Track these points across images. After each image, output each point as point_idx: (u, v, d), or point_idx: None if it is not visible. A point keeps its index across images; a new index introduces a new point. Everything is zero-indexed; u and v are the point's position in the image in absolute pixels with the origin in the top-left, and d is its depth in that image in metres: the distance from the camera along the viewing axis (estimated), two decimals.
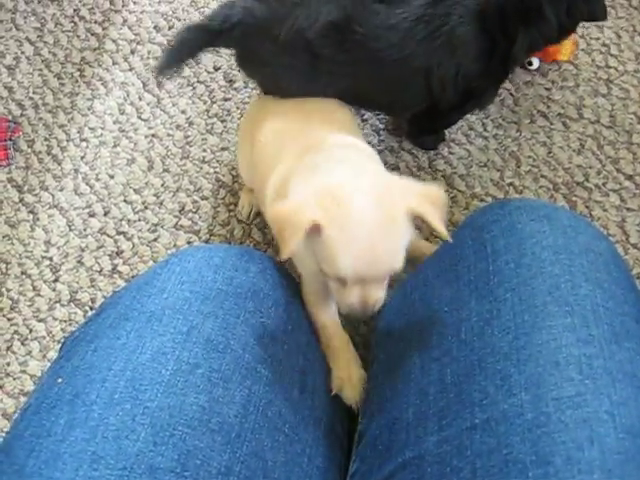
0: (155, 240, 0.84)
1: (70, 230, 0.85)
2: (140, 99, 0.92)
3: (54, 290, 0.82)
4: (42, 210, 0.86)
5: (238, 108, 0.90)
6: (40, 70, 0.95)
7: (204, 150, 0.88)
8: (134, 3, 0.98)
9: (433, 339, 0.53)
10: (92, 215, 0.86)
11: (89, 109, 0.92)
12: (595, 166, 0.86)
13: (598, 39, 0.93)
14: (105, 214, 0.86)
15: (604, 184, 0.85)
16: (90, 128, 0.91)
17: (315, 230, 0.52)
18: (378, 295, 0.58)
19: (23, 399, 0.76)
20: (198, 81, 0.92)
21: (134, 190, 0.87)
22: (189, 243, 0.83)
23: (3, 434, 0.73)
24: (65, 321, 0.80)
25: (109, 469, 0.42)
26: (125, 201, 0.86)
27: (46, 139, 0.91)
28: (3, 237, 0.85)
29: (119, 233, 0.84)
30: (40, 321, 0.81)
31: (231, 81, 0.92)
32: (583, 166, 0.85)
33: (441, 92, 0.71)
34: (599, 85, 0.91)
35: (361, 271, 0.54)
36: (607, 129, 0.89)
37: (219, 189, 0.86)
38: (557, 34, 0.74)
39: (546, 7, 0.72)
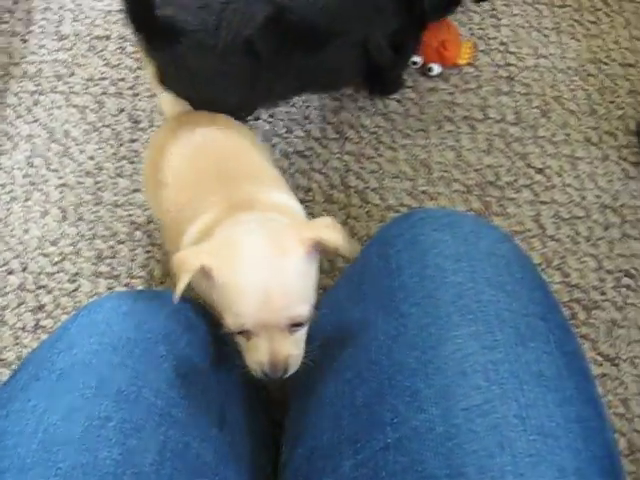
0: (76, 290, 0.83)
1: None
2: (48, 150, 0.92)
3: None
4: None
5: (146, 148, 0.89)
6: None
7: (116, 194, 0.88)
8: (32, 54, 0.97)
9: (346, 362, 0.53)
10: (10, 272, 0.85)
11: None
12: (505, 164, 0.88)
13: (496, 38, 0.96)
14: (23, 270, 0.85)
15: (515, 180, 0.87)
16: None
17: (209, 276, 0.52)
18: (287, 349, 0.56)
19: None
20: (103, 125, 0.92)
21: (50, 242, 0.86)
22: (110, 289, 0.83)
23: None
24: None
25: None
26: (42, 254, 0.86)
27: None
28: None
29: (39, 287, 0.84)
30: None
31: (136, 122, 0.92)
32: (493, 165, 0.88)
33: (380, 57, 0.72)
34: (501, 84, 0.93)
35: (260, 315, 0.52)
36: (513, 126, 0.91)
37: (135, 231, 0.86)
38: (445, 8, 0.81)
39: None
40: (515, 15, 1.01)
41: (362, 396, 0.52)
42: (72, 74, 1.00)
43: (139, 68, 0.96)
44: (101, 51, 1.02)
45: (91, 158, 0.94)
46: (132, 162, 0.92)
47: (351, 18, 0.71)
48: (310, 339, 0.59)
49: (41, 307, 0.86)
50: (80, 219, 0.90)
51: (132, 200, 0.91)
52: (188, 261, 0.55)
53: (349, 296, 0.60)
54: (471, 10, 1.00)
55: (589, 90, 0.97)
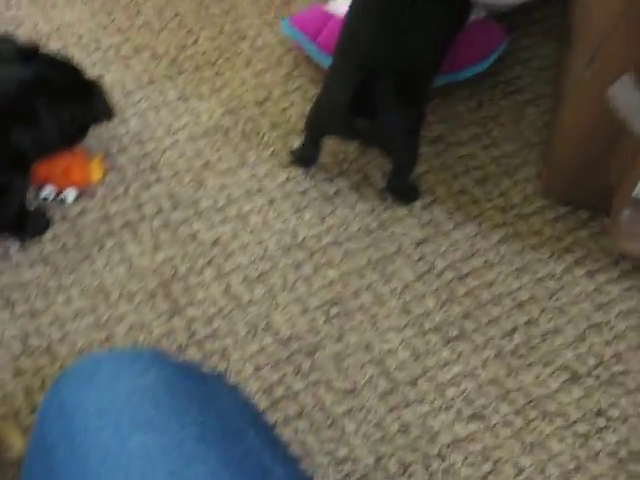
0: None
1: None
2: None
3: None
4: None
5: None
6: None
7: None
8: None
9: None
10: None
11: None
12: (178, 253, 0.93)
13: (127, 133, 1.02)
14: None
15: (194, 264, 0.90)
16: None
17: None
18: None
19: None
20: None
21: None
22: None
23: None
24: None
25: None
26: None
27: None
28: None
29: None
30: None
31: None
32: (167, 259, 0.93)
33: None
34: (147, 176, 0.93)
35: None
36: (173, 212, 0.89)
37: None
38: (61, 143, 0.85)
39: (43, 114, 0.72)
40: (139, 101, 0.99)
41: None
42: None
43: None
44: None
45: None
46: None
47: None
48: None
49: None
50: None
51: None
52: None
53: None
54: None
55: (234, 142, 0.96)
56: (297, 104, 1.02)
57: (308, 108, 0.96)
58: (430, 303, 0.90)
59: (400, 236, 0.94)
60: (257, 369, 0.84)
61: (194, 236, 0.92)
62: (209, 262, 0.90)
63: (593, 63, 0.72)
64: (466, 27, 0.96)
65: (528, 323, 0.90)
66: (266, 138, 0.99)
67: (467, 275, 0.92)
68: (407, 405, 0.82)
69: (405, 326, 0.87)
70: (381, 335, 0.86)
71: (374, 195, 0.96)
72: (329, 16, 0.97)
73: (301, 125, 1.00)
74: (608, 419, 0.83)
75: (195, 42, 1.07)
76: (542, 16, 1.14)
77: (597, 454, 0.80)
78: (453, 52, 0.93)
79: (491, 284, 0.92)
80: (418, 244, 0.94)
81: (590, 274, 0.94)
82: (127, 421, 0.51)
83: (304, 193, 0.95)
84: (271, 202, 0.94)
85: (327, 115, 0.86)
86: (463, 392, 0.83)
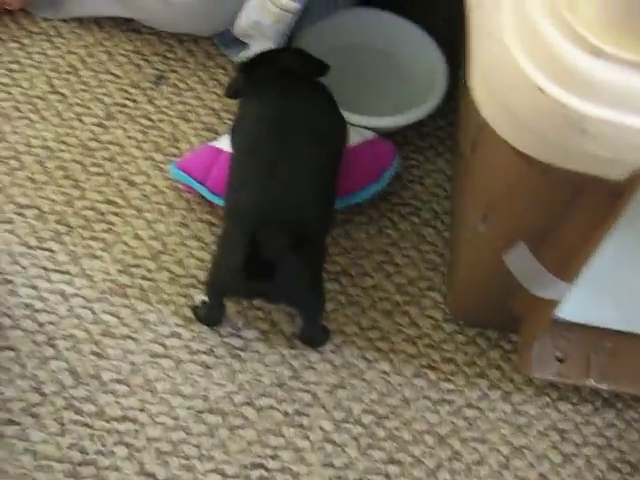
0: None
1: None
2: None
3: None
4: None
5: None
6: None
7: None
8: None
9: None
10: None
11: None
12: (84, 433, 0.92)
13: (19, 305, 0.99)
14: None
15: (101, 448, 0.92)
16: None
17: None
18: None
19: None
20: None
21: None
22: None
23: None
24: None
25: None
26: None
27: None
28: None
29: None
30: None
31: None
32: (74, 443, 0.92)
33: None
34: (44, 350, 0.93)
35: None
36: (74, 389, 0.87)
37: None
38: None
39: None
40: (27, 267, 0.96)
41: None
42: None
43: None
44: None
45: None
46: None
47: None
48: None
49: None
50: None
51: None
52: None
53: None
54: None
55: (133, 303, 0.95)
56: (194, 253, 1.02)
57: (206, 255, 0.98)
58: (352, 452, 0.91)
59: (313, 384, 0.94)
60: None
61: (101, 413, 0.90)
62: (119, 440, 0.88)
63: (486, 221, 0.74)
64: (355, 149, 0.98)
65: (451, 458, 0.92)
66: (165, 295, 0.97)
67: (385, 416, 0.94)
68: None
69: None
70: None
71: (283, 343, 0.97)
72: (217, 151, 0.98)
73: (201, 276, 0.99)
74: None
75: (82, 195, 1.05)
76: (431, 129, 1.17)
77: None
78: (345, 175, 0.97)
79: (410, 422, 0.94)
80: (332, 390, 0.95)
81: (505, 396, 0.97)
82: None
83: (211, 351, 0.95)
84: (178, 364, 0.94)
85: (225, 279, 0.86)
86: None
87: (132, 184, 1.09)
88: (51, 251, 1.03)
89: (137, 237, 1.05)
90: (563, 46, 0.58)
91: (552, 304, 0.81)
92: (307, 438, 0.93)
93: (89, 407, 0.92)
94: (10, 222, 1.05)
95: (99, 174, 1.10)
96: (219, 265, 0.89)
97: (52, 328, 0.97)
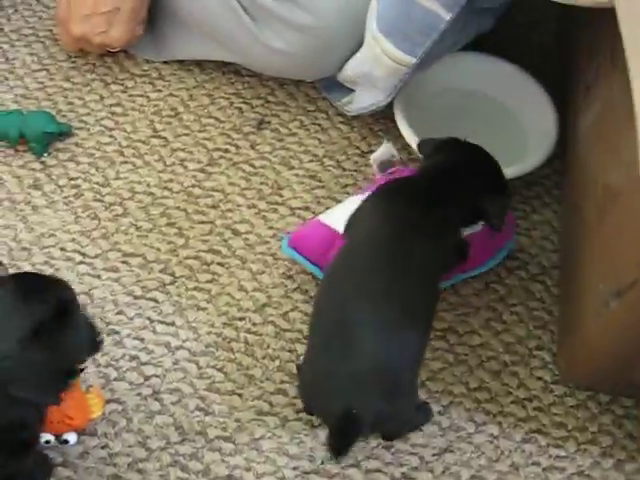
0: None
1: None
2: None
3: None
4: None
5: None
6: None
7: None
8: None
9: None
10: None
11: None
12: None
13: (123, 356, 1.00)
14: None
15: None
16: None
17: None
18: None
19: None
20: None
21: None
22: None
23: None
24: None
25: None
26: None
27: None
28: None
29: None
30: None
31: None
32: None
33: None
34: (149, 404, 0.92)
35: None
36: (181, 445, 0.87)
37: None
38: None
39: None
40: (133, 318, 0.97)
41: None
42: None
43: None
44: None
45: None
46: None
47: None
48: None
49: None
50: None
51: None
52: None
53: None
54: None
55: (237, 358, 0.95)
56: (300, 306, 1.01)
57: (311, 310, 0.96)
58: None
59: (421, 447, 0.92)
60: None
61: (206, 471, 0.90)
62: None
63: (620, 299, 0.72)
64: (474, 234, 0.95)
65: None
66: (270, 350, 0.97)
67: None
68: None
69: None
70: None
71: None
72: (334, 234, 0.96)
73: (306, 330, 0.98)
74: None
75: (186, 244, 1.05)
76: (537, 177, 1.15)
77: None
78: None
79: None
80: (440, 454, 0.93)
81: (618, 464, 0.94)
82: None
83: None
84: (283, 422, 0.93)
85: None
86: None
87: (236, 233, 1.09)
88: (156, 301, 1.03)
89: (242, 289, 1.04)
90: None
91: None
92: None
93: (195, 465, 0.92)
94: (115, 271, 1.05)
95: (203, 222, 1.10)
96: (304, 384, 0.90)
97: (157, 381, 0.97)
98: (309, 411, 0.93)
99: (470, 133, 1.11)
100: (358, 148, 1.19)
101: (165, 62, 1.26)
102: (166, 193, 1.13)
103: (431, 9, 0.93)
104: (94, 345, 0.83)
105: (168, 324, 1.01)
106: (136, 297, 1.03)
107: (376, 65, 1.01)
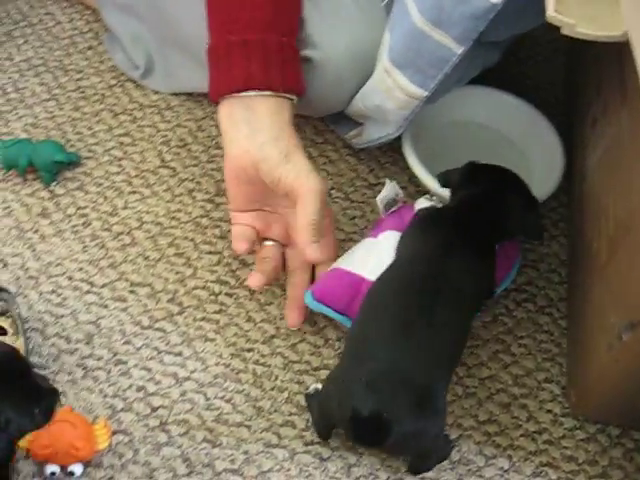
0: None
1: None
2: None
3: None
4: None
5: None
6: None
7: None
8: None
9: None
10: None
11: None
12: None
13: (130, 387, 0.99)
14: None
15: None
16: None
17: None
18: None
19: None
20: None
21: None
22: None
23: None
24: None
25: None
26: None
27: None
28: None
29: None
30: None
31: None
32: None
33: None
34: (156, 436, 0.93)
35: None
36: (188, 477, 0.85)
37: None
38: None
39: None
40: (140, 348, 0.96)
41: None
42: None
43: None
44: None
45: None
46: None
47: None
48: None
49: None
50: None
51: None
52: None
53: None
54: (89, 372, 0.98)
55: (245, 389, 0.94)
56: (308, 338, 1.01)
57: (320, 340, 0.99)
58: None
59: None
60: None
61: None
62: None
63: (635, 329, 0.71)
64: None
65: None
66: (279, 382, 0.96)
67: None
68: None
69: None
70: None
71: None
72: (359, 280, 0.95)
73: (314, 362, 0.98)
74: None
75: (194, 274, 1.05)
76: (544, 211, 1.15)
77: None
78: None
79: None
80: None
81: None
82: None
83: (327, 442, 0.92)
84: (292, 455, 0.92)
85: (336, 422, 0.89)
86: None
87: (244, 264, 1.09)
88: (164, 331, 1.02)
89: (250, 319, 1.03)
90: None
91: None
92: None
93: None
94: (123, 300, 1.04)
95: (211, 252, 1.09)
96: (330, 401, 0.87)
97: (165, 412, 0.96)
98: (324, 429, 0.92)
99: None
100: (366, 180, 1.19)
101: (174, 93, 1.26)
102: (174, 223, 1.12)
103: (443, 42, 0.93)
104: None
105: (176, 354, 1.00)
106: (143, 327, 1.02)
107: (387, 98, 1.01)
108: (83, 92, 1.27)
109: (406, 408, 0.81)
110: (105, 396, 0.98)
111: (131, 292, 1.06)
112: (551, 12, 0.72)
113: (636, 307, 0.74)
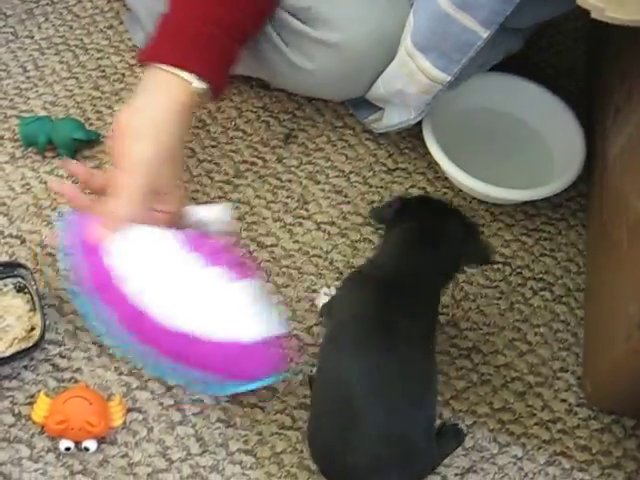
0: None
1: None
2: None
3: None
4: None
5: None
6: None
7: None
8: None
9: None
10: None
11: None
12: None
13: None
14: None
15: None
16: None
17: None
18: None
19: None
20: None
21: None
22: None
23: None
24: None
25: None
26: None
27: None
28: None
29: None
30: None
31: None
32: None
33: None
34: (171, 414, 0.88)
35: None
36: (201, 456, 0.90)
37: None
38: None
39: None
40: None
41: None
42: None
43: None
44: None
45: None
46: None
47: None
48: None
49: None
50: None
51: None
52: None
53: None
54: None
55: None
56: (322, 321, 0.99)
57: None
58: None
59: (444, 467, 0.90)
60: None
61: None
62: None
63: None
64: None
65: None
66: (294, 363, 0.97)
67: None
68: None
69: None
70: None
71: None
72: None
73: None
74: None
75: None
76: (562, 200, 1.13)
77: None
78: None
79: None
80: (464, 474, 0.91)
81: None
82: None
83: None
84: (305, 437, 0.90)
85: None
86: None
87: (261, 245, 1.08)
88: None
89: None
90: None
91: None
92: None
93: (215, 477, 0.90)
94: None
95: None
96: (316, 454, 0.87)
97: (179, 391, 0.96)
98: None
99: (497, 153, 1.11)
100: (385, 165, 1.18)
101: None
102: (192, 204, 1.11)
103: (468, 26, 0.91)
104: None
105: None
106: None
107: (410, 82, 1.00)
108: (103, 71, 1.25)
109: (394, 474, 0.81)
110: (120, 374, 0.97)
111: None
112: None
113: None
